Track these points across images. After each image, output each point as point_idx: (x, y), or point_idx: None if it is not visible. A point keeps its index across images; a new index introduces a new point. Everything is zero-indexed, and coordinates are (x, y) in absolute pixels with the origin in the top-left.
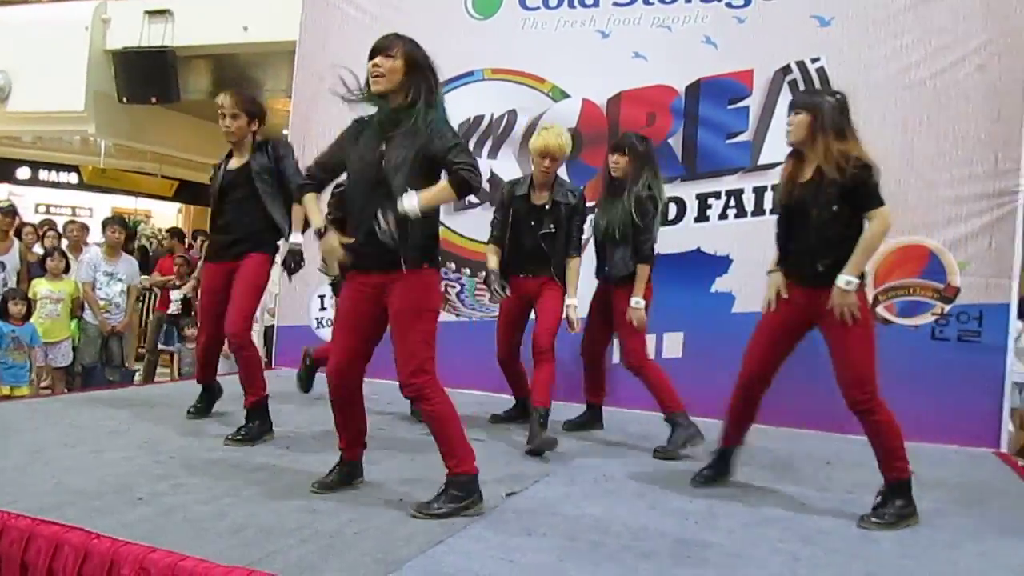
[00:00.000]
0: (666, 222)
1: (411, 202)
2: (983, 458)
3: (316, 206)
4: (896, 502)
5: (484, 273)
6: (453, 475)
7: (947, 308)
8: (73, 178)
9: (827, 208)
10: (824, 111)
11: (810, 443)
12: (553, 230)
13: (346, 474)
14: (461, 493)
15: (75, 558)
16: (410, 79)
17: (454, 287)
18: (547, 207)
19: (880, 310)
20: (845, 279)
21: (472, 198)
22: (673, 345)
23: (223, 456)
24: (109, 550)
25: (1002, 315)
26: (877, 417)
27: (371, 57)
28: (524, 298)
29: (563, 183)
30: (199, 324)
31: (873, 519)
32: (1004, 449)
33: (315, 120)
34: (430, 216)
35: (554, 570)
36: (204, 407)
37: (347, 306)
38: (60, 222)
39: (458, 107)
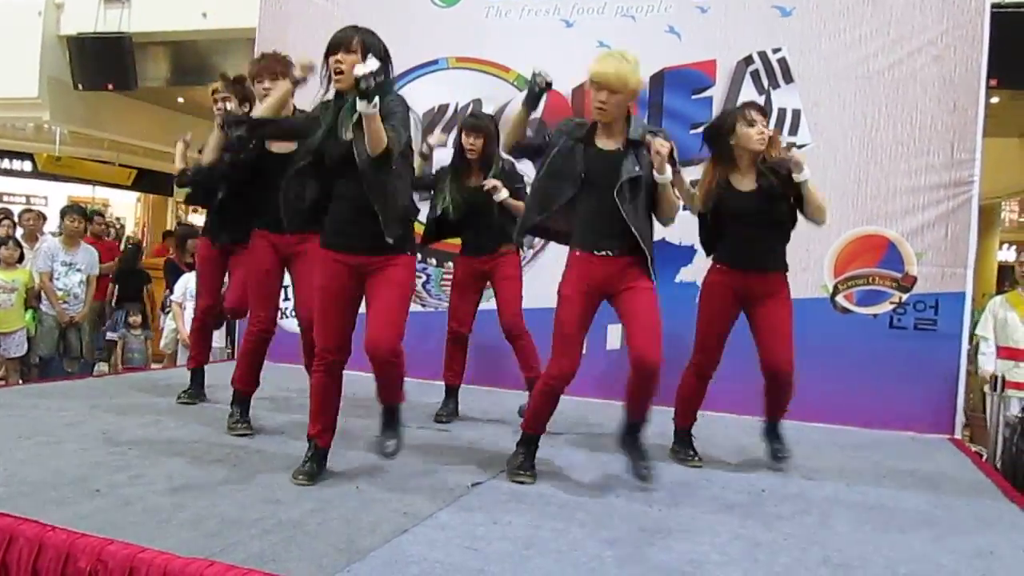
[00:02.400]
0: None
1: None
2: (938, 444)
3: None
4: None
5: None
6: (395, 405)
7: (904, 297)
8: (27, 166)
9: None
10: None
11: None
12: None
13: (321, 460)
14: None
15: (29, 551)
16: None
17: (420, 277)
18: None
19: (839, 299)
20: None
21: None
22: None
23: (183, 448)
24: (65, 542)
25: (958, 304)
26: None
27: (331, 53)
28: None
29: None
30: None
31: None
32: (958, 436)
33: None
34: (409, 205)
35: (519, 558)
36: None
37: (332, 286)
38: (14, 211)
39: (423, 96)
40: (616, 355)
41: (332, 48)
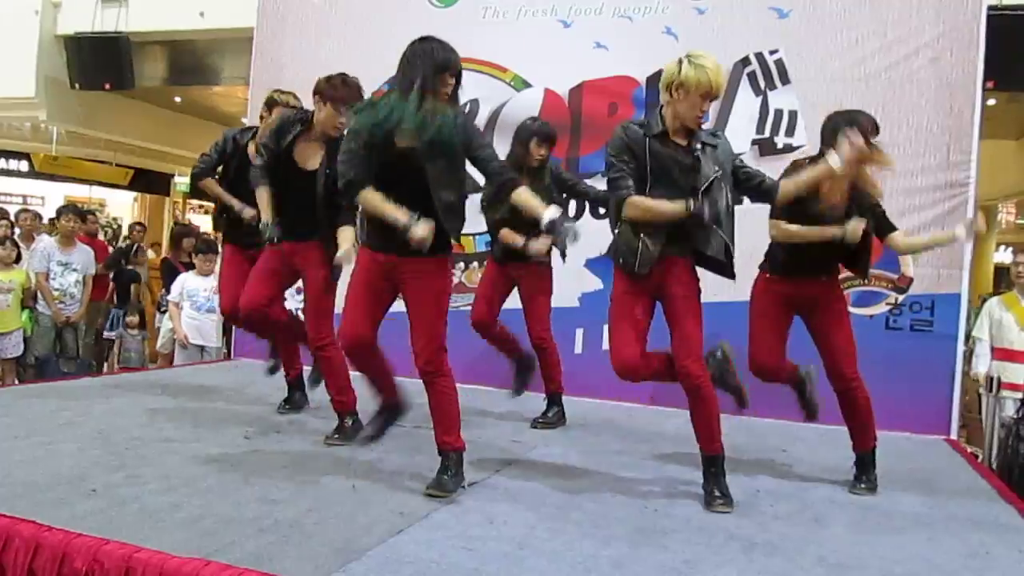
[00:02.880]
0: None
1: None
2: (934, 445)
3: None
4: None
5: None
6: (454, 450)
7: (900, 298)
8: (24, 166)
9: None
10: None
11: (766, 432)
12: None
13: (388, 417)
14: (460, 467)
15: (25, 551)
16: None
17: None
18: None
19: None
20: None
21: None
22: None
23: (179, 447)
24: (61, 542)
25: (953, 305)
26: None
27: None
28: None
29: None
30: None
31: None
32: (954, 436)
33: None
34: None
35: (514, 558)
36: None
37: (363, 279)
38: (11, 211)
39: None
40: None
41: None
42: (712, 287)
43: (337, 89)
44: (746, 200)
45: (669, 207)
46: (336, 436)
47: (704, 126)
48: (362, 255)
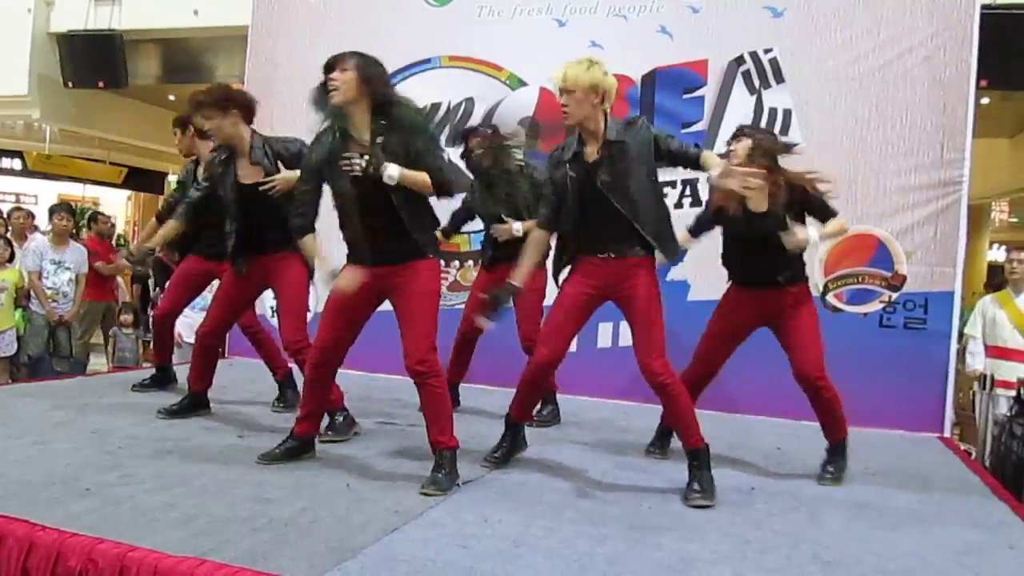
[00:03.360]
0: None
1: (393, 170)
2: (928, 443)
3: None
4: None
5: None
6: (447, 448)
7: (894, 296)
8: (17, 164)
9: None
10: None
11: (761, 429)
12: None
13: (293, 448)
14: (454, 466)
15: (19, 550)
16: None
17: None
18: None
19: (830, 298)
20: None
21: None
22: (630, 333)
23: (173, 446)
24: (55, 542)
25: (947, 302)
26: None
27: (326, 71)
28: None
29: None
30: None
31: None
32: (948, 434)
33: (268, 106)
34: (431, 210)
35: (509, 556)
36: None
37: (346, 295)
38: (4, 209)
39: (415, 95)
40: (608, 353)
41: (327, 67)
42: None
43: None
44: None
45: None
46: (329, 433)
47: (699, 126)
48: (345, 271)
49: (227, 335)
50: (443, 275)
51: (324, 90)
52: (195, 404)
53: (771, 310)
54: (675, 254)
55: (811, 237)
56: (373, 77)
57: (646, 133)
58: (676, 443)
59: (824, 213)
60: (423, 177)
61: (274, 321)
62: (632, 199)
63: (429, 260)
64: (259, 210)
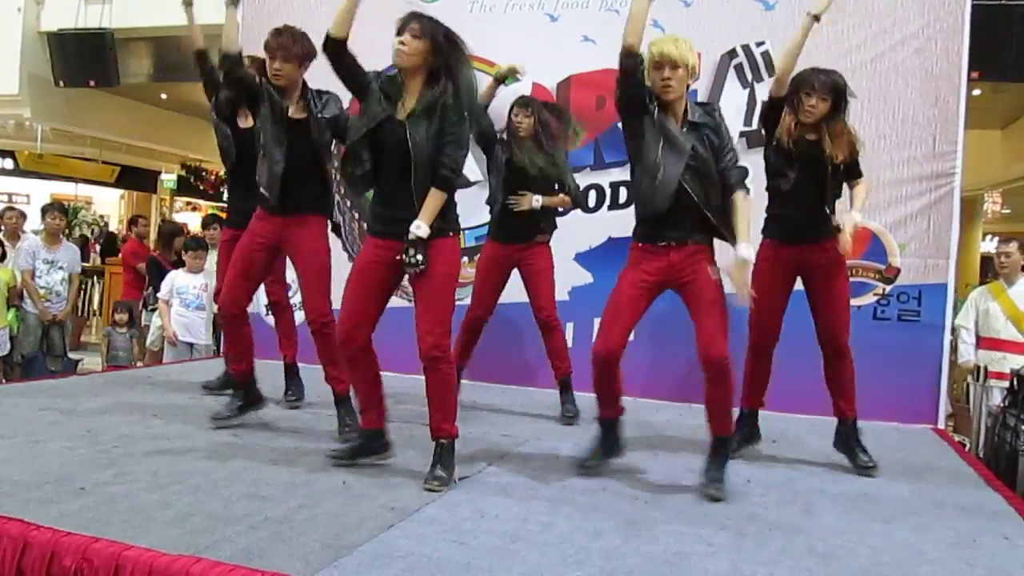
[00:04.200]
0: (618, 206)
1: (423, 228)
2: (921, 434)
3: None
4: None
5: None
6: (448, 437)
7: (888, 289)
8: (8, 163)
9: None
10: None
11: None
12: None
13: (364, 444)
14: (453, 456)
15: (13, 550)
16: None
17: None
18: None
19: None
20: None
21: None
22: None
23: (168, 445)
24: (49, 541)
25: (940, 295)
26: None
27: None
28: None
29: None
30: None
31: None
32: (941, 425)
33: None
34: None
35: (506, 551)
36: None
37: (364, 269)
38: None
39: None
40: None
41: (398, 30)
42: None
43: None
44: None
45: None
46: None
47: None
48: (367, 244)
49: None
50: None
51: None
52: (246, 395)
53: (810, 265)
54: (735, 241)
55: (856, 219)
56: (442, 50)
57: (718, 120)
58: (665, 440)
59: (858, 170)
60: (437, 204)
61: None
62: (704, 184)
63: (448, 238)
64: (302, 155)
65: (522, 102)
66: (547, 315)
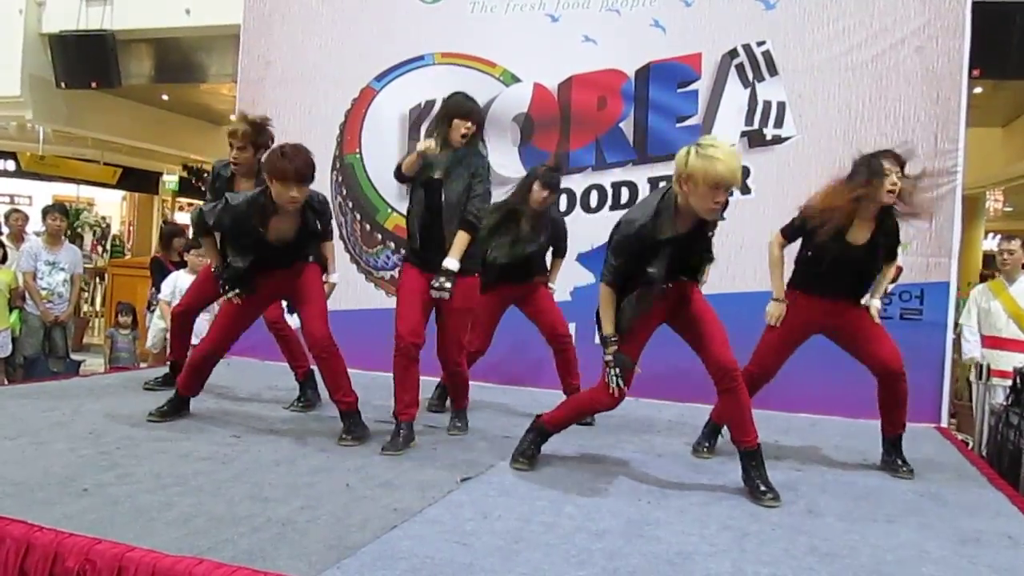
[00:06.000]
0: (619, 206)
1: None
2: (925, 433)
3: None
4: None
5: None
6: (459, 408)
7: (890, 287)
8: (10, 165)
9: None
10: None
11: (758, 423)
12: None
13: (406, 435)
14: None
15: (16, 551)
16: None
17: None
18: None
19: None
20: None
21: None
22: None
23: (170, 446)
24: (52, 542)
25: (942, 293)
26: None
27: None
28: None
29: None
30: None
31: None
32: (944, 424)
33: (261, 105)
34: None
35: (508, 552)
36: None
37: (415, 288)
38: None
39: (409, 92)
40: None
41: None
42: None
43: (276, 164)
44: (736, 192)
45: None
46: (348, 437)
47: (693, 120)
48: (407, 269)
49: None
50: None
51: (443, 124)
52: (180, 406)
53: (839, 317)
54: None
55: (876, 306)
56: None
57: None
58: (668, 441)
59: (893, 255)
60: (464, 243)
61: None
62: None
63: (469, 279)
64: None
65: (555, 183)
66: (564, 335)
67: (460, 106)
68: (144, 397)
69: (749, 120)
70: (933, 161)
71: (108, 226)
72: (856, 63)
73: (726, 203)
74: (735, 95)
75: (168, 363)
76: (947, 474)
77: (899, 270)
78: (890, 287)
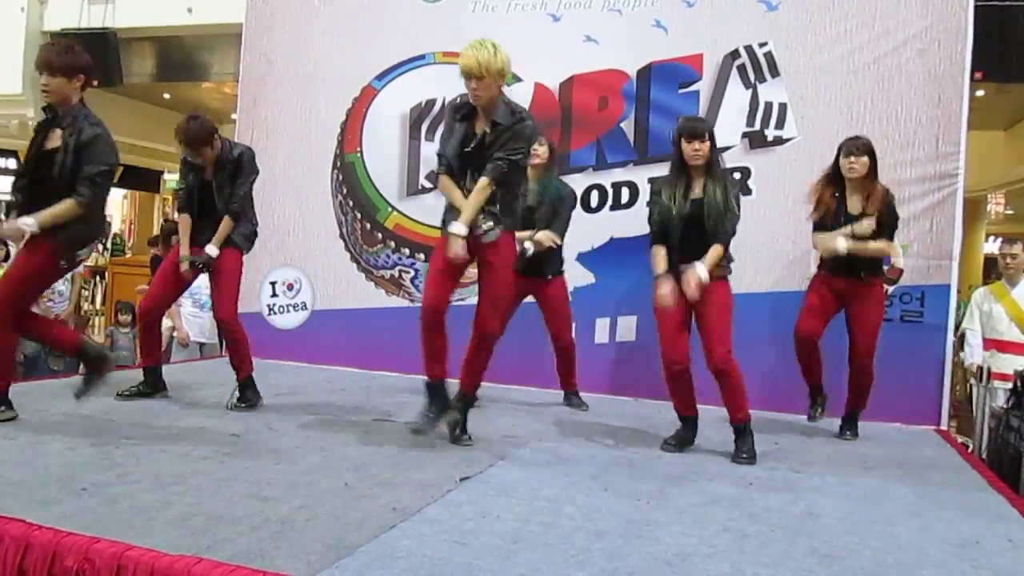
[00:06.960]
0: (619, 206)
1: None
2: (924, 436)
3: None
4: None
5: None
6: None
7: (891, 289)
8: (12, 163)
9: None
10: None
11: (758, 424)
12: None
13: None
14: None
15: (15, 550)
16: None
17: (408, 272)
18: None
19: None
20: None
21: (425, 183)
22: (626, 329)
23: (170, 446)
24: (51, 541)
25: (943, 296)
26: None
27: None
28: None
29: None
30: None
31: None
32: (945, 427)
33: (263, 103)
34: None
35: (507, 552)
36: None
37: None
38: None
39: (410, 91)
40: (605, 349)
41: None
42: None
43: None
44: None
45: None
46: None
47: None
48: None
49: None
50: None
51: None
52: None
53: (848, 296)
54: None
55: (840, 246)
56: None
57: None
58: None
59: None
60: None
61: (271, 319)
62: None
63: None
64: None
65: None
66: (569, 340)
67: None
68: (142, 396)
69: (750, 121)
70: (935, 164)
71: (109, 224)
72: (858, 65)
73: None
74: (736, 96)
75: (143, 370)
76: (947, 477)
77: (900, 272)
78: (890, 289)
